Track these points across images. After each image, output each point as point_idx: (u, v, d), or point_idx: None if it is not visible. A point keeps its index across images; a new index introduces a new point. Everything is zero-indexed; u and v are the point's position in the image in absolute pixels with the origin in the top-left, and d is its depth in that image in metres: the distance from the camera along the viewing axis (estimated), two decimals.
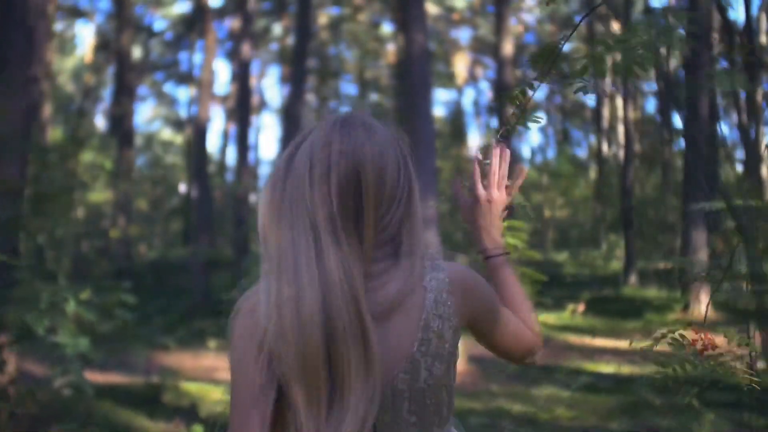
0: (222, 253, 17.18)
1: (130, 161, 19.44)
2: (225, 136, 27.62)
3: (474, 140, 36.40)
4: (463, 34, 30.71)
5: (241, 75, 18.84)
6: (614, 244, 21.94)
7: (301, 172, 1.17)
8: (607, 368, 7.58)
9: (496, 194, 1.50)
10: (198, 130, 14.24)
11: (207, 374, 7.98)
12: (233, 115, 25.09)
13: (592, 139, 33.35)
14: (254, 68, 32.59)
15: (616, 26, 28.42)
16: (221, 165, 25.56)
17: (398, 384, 1.19)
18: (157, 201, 27.70)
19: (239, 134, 19.03)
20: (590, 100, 33.17)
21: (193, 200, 14.80)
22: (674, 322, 10.21)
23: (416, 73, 7.80)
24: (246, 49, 18.29)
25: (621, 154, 27.36)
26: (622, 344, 9.44)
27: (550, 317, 11.02)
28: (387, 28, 25.50)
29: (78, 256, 17.78)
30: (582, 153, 32.49)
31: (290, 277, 1.12)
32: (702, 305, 10.03)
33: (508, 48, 13.19)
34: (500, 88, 13.40)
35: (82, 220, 22.57)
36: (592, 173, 29.25)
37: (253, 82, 31.48)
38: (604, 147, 26.49)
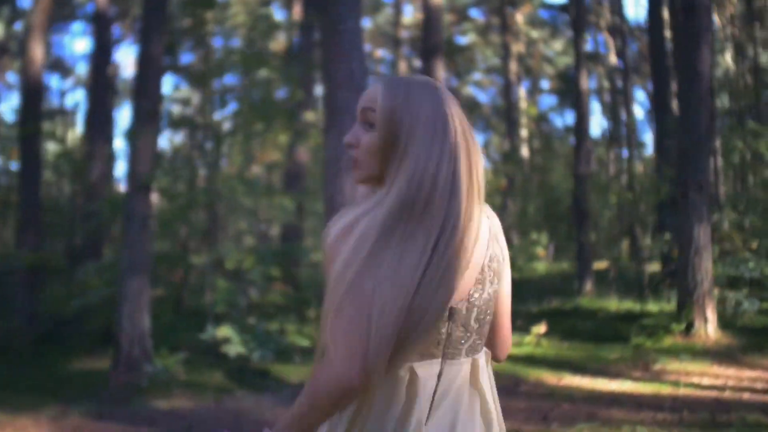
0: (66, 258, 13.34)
1: None
2: (88, 123, 23.47)
3: None
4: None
5: (98, 35, 15.08)
6: (535, 242, 19.68)
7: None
8: None
9: None
10: (26, 87, 10.52)
11: None
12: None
13: (489, 134, 31.85)
14: (129, 57, 28.52)
15: (519, 17, 26.74)
16: (81, 151, 21.38)
17: (472, 292, 1.37)
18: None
19: (91, 108, 15.26)
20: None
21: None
22: (674, 348, 7.63)
23: None
24: (102, 1, 14.60)
25: (525, 149, 25.84)
26: (622, 386, 6.71)
27: None
28: (278, 15, 22.26)
29: None
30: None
31: None
32: (710, 325, 7.49)
33: None
34: (428, 41, 10.59)
35: None
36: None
37: (129, 71, 27.29)
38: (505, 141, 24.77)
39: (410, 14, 26.86)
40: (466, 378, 1.39)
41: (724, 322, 7.87)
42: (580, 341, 8.34)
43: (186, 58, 18.01)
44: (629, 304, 10.17)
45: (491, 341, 1.51)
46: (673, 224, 11.18)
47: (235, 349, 6.98)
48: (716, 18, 14.72)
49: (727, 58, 16.64)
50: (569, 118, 32.45)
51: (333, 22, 5.11)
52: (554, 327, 8.94)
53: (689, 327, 7.66)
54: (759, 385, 6.33)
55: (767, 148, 12.86)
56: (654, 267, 11.32)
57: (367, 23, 27.75)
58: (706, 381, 6.57)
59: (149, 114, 7.13)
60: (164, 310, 9.31)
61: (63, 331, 8.76)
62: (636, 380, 6.74)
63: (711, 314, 7.64)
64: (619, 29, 22.39)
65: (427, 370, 1.34)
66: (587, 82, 12.06)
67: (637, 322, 8.20)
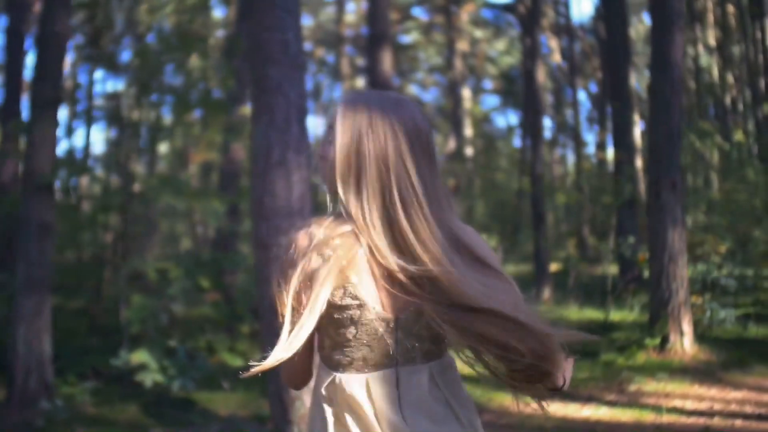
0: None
1: None
2: (2, 118, 21.74)
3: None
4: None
5: (12, 18, 13.65)
6: None
7: None
8: None
9: None
10: None
11: None
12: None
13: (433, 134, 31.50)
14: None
15: (464, 16, 26.26)
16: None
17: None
18: None
19: (6, 102, 13.83)
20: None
21: None
22: (649, 365, 6.93)
23: None
24: None
25: (469, 149, 25.33)
26: (596, 412, 5.91)
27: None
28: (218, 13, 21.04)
29: None
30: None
31: None
32: (686, 339, 6.82)
33: None
34: (374, 31, 9.74)
35: None
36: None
37: (66, 66, 25.55)
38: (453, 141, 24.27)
39: (353, 11, 26.16)
40: (426, 383, 1.40)
41: (699, 334, 7.23)
42: None
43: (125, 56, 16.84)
44: (591, 313, 9.50)
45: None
46: (633, 226, 10.60)
47: (151, 377, 5.95)
48: None
49: None
50: (512, 118, 32.23)
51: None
52: None
53: (664, 341, 6.97)
54: (749, 409, 5.66)
55: (715, 147, 12.52)
56: (610, 270, 10.69)
57: (308, 21, 26.77)
58: (689, 405, 5.86)
59: (49, 101, 6.04)
60: (76, 329, 8.18)
61: None
62: (611, 405, 6.00)
63: (687, 327, 6.98)
64: (566, 28, 22.13)
65: (383, 380, 1.37)
66: (543, 78, 11.40)
67: (606, 336, 7.48)
